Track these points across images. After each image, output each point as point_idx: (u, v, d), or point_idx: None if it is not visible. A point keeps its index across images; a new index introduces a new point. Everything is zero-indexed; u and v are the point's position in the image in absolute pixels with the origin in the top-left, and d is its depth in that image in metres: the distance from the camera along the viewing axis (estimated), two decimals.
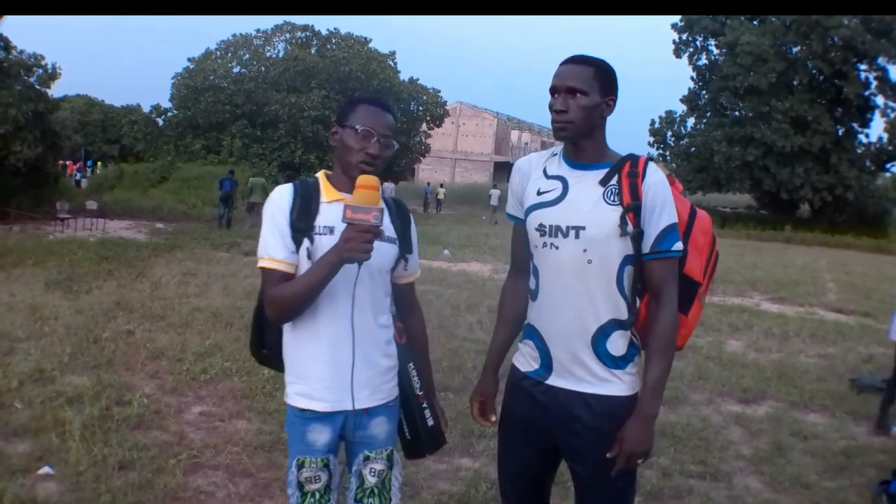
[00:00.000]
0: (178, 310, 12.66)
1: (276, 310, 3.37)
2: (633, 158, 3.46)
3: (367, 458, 3.63)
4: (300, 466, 3.52)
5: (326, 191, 3.53)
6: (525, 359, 3.68)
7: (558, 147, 3.66)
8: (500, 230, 36.02)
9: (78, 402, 7.69)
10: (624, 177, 3.40)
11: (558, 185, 3.51)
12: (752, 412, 9.03)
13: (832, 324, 15.75)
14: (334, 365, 3.48)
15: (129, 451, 6.49)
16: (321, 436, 3.51)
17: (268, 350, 3.76)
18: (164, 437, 7.05)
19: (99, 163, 72.15)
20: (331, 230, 3.41)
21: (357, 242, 3.08)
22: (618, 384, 3.46)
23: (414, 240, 3.80)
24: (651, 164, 3.45)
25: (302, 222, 3.42)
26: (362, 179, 3.21)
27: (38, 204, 32.14)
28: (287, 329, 3.56)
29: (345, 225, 3.22)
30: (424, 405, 3.85)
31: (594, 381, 3.45)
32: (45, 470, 6.14)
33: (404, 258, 3.70)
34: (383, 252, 3.44)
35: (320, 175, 3.63)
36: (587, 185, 3.45)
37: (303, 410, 3.51)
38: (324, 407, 3.49)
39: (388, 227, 3.54)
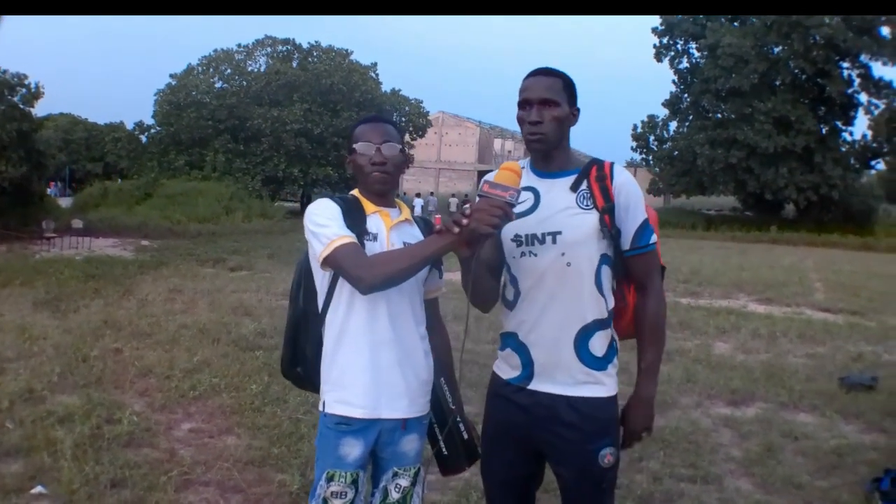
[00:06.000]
0: (165, 327, 12.63)
1: (382, 272, 3.34)
2: (598, 163, 3.60)
3: (395, 474, 3.70)
4: (329, 480, 3.55)
5: (366, 204, 3.66)
6: (506, 366, 3.75)
7: (524, 160, 3.75)
8: None
9: (69, 421, 7.66)
10: (593, 181, 3.53)
11: (530, 195, 3.61)
12: (742, 414, 9.03)
13: (820, 323, 15.75)
14: (375, 370, 3.54)
15: (121, 469, 6.48)
16: (353, 450, 3.55)
17: (303, 367, 3.81)
18: (154, 454, 7.04)
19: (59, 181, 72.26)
20: (375, 237, 3.56)
21: (486, 215, 3.07)
22: (599, 386, 3.56)
23: None
24: (616, 166, 3.59)
25: (354, 227, 3.50)
26: (507, 164, 3.27)
27: (24, 223, 32.03)
28: (329, 337, 3.61)
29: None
30: (458, 419, 3.90)
31: (576, 384, 3.54)
32: (38, 489, 6.13)
33: (437, 269, 3.83)
34: None
35: (356, 192, 3.75)
36: (558, 193, 3.57)
37: (337, 424, 3.55)
38: (362, 413, 3.53)
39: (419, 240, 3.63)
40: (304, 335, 3.74)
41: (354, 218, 3.55)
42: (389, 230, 3.62)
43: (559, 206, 3.53)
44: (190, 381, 9.30)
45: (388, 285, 3.40)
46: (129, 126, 61.44)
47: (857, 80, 54.83)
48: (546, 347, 3.55)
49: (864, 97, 54.94)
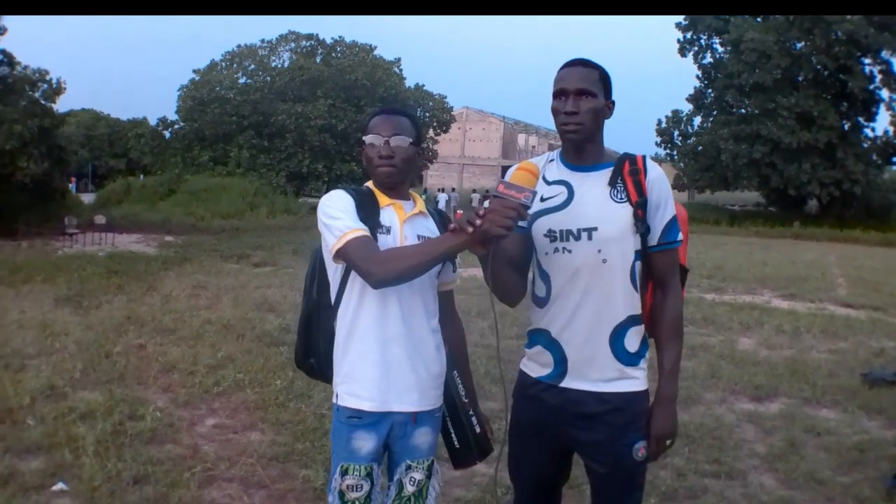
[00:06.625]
0: (189, 323, 12.67)
1: (393, 267, 3.31)
2: (630, 157, 3.54)
3: (408, 468, 3.69)
4: (344, 473, 3.54)
5: (380, 197, 3.63)
6: (535, 364, 3.70)
7: (553, 153, 3.73)
8: None
9: (91, 418, 7.68)
10: (626, 175, 3.48)
11: (562, 189, 3.55)
12: (765, 409, 9.01)
13: (843, 319, 15.69)
14: (385, 365, 3.52)
15: (144, 466, 6.49)
16: (366, 443, 3.54)
17: (315, 358, 3.80)
18: (177, 450, 7.05)
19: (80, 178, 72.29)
20: (388, 230, 3.53)
21: (499, 216, 3.03)
22: (631, 381, 3.53)
23: None
24: (649, 160, 3.54)
25: (367, 220, 3.48)
26: (524, 164, 3.23)
27: (45, 219, 32.05)
28: (340, 330, 3.60)
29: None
30: (471, 412, 3.88)
31: (609, 380, 3.51)
32: (60, 486, 6.14)
33: (451, 262, 3.75)
34: None
35: (370, 185, 3.72)
36: (593, 187, 3.52)
37: (349, 418, 3.54)
38: (371, 406, 3.51)
39: (434, 234, 3.63)
40: (316, 327, 3.73)
41: (368, 210, 3.53)
42: (403, 223, 3.59)
43: (594, 200, 3.49)
44: (214, 376, 9.32)
45: (399, 281, 3.37)
46: (153, 122, 61.42)
47: (879, 77, 54.68)
48: (580, 345, 3.52)
49: (885, 93, 54.83)
